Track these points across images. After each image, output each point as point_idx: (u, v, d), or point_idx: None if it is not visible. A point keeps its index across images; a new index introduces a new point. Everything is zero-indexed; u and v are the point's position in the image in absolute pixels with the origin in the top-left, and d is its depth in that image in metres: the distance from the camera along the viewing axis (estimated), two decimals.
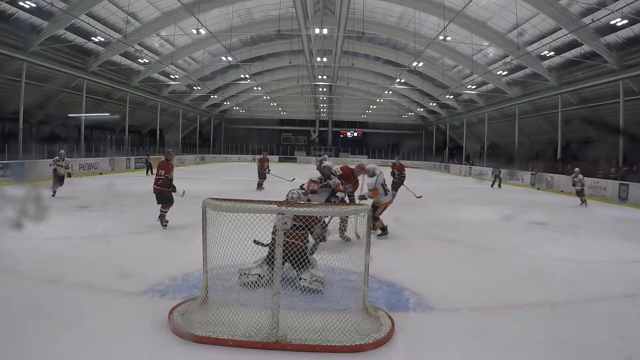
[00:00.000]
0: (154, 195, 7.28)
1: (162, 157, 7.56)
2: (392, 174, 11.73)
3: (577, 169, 13.52)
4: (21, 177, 13.93)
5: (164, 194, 7.18)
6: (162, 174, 7.18)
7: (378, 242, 4.79)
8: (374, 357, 3.08)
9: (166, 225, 7.22)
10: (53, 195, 10.59)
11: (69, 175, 11.28)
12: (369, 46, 28.99)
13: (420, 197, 11.14)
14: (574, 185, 13.25)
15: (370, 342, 3.17)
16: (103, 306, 3.82)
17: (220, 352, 3.05)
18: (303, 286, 4.14)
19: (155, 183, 7.24)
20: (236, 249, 3.58)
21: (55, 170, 10.99)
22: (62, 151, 11.36)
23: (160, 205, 7.25)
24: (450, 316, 3.93)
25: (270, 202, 3.47)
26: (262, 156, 14.75)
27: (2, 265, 4.77)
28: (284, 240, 3.54)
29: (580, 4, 15.89)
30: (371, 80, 34.67)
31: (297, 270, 4.30)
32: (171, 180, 7.27)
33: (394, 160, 12.39)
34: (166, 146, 31.70)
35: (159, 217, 7.29)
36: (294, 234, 4.18)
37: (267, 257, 4.33)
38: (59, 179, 10.96)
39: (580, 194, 13.12)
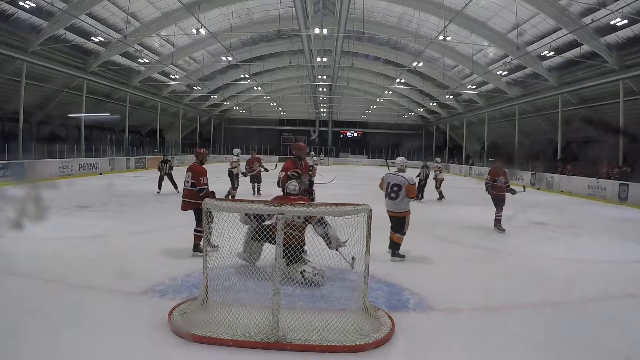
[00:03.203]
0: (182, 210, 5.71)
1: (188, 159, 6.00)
2: (490, 185, 8.04)
3: (438, 159, 13.05)
4: (21, 177, 13.93)
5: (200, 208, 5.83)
6: (205, 181, 5.57)
7: (378, 242, 4.79)
8: (374, 357, 3.08)
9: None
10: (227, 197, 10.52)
11: (244, 174, 11.31)
12: (369, 46, 28.96)
13: (333, 179, 10.28)
14: (435, 178, 12.33)
15: (370, 342, 3.17)
16: (103, 306, 3.82)
17: (220, 352, 3.05)
18: (305, 278, 4.14)
19: (194, 196, 5.52)
20: (236, 249, 3.58)
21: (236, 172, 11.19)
22: (237, 150, 11.99)
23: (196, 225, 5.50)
24: (450, 316, 3.93)
25: (270, 202, 3.47)
26: (250, 156, 12.63)
27: (2, 265, 4.77)
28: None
29: (580, 4, 15.87)
30: (371, 80, 34.64)
31: (289, 262, 4.22)
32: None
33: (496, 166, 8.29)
34: (166, 146, 31.66)
35: (198, 243, 5.47)
36: (292, 224, 4.17)
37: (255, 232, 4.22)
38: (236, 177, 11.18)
39: (437, 186, 12.14)
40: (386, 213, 5.76)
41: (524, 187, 9.23)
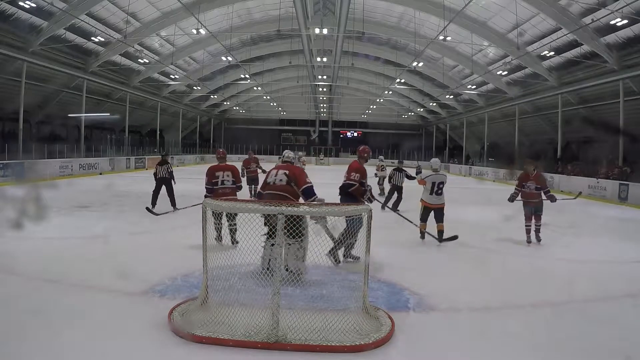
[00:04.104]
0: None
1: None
2: (518, 192, 7.04)
3: (381, 157, 12.61)
4: (21, 177, 13.94)
5: None
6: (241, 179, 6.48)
7: (378, 242, 4.78)
8: (374, 357, 3.08)
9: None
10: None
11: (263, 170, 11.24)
12: (369, 46, 28.99)
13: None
14: (377, 175, 12.03)
15: (370, 342, 3.17)
16: (103, 306, 3.82)
17: (220, 352, 3.05)
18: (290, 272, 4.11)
19: (235, 193, 6.15)
20: (236, 249, 3.58)
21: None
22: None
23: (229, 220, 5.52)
24: (450, 316, 3.93)
25: (270, 202, 3.47)
26: (247, 156, 11.76)
27: (2, 265, 4.77)
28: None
29: (580, 4, 15.87)
30: (371, 80, 34.66)
31: (289, 237, 3.74)
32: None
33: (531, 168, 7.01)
34: (166, 146, 31.67)
35: (232, 235, 5.60)
36: (276, 186, 4.34)
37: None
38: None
39: (382, 186, 11.63)
40: (389, 213, 5.88)
41: (579, 193, 8.38)
